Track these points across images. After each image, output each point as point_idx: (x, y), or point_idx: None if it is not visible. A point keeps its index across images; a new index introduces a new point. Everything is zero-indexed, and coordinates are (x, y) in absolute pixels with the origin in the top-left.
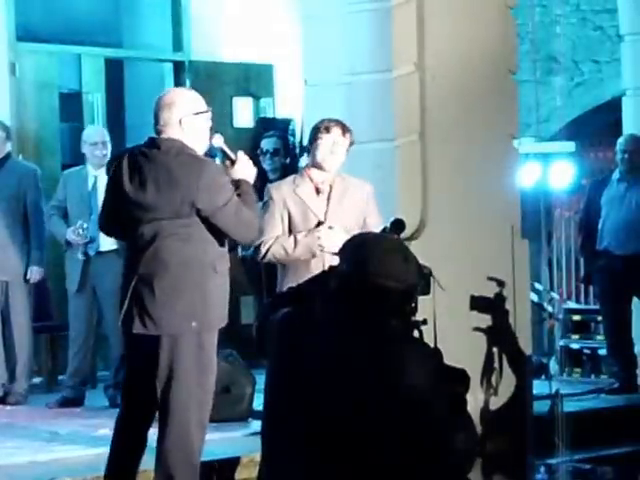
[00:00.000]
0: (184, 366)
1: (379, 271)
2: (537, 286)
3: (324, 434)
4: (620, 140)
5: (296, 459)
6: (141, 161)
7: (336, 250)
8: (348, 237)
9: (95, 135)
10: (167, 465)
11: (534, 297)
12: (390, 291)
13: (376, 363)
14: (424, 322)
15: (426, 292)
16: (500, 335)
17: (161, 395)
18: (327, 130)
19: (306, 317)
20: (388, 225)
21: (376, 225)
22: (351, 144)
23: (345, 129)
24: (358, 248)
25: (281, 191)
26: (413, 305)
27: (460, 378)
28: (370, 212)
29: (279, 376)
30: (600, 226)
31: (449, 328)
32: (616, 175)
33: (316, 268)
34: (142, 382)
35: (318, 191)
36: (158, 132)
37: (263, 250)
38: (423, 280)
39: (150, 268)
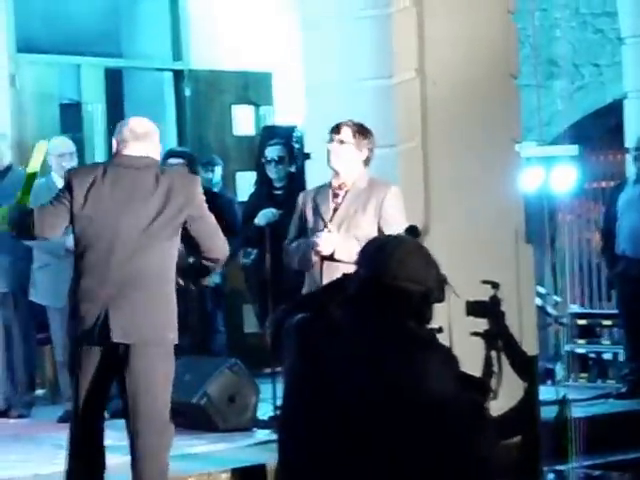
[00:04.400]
0: (160, 375)
1: (399, 273)
2: (540, 290)
3: (345, 437)
4: (633, 140)
5: (315, 464)
6: None
7: (329, 253)
8: (348, 242)
9: (62, 146)
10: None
11: (538, 301)
12: (410, 293)
13: (399, 365)
14: (440, 330)
15: (441, 299)
16: (498, 338)
17: (139, 405)
18: (331, 132)
19: (323, 321)
20: (403, 232)
21: (392, 226)
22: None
23: (347, 129)
24: (377, 250)
25: (304, 198)
26: (430, 310)
27: (479, 387)
28: (384, 215)
29: (297, 381)
30: (617, 230)
31: (457, 335)
32: (632, 177)
33: (328, 272)
34: (99, 394)
35: (336, 195)
36: None
37: (284, 255)
38: (439, 287)
39: (130, 279)
